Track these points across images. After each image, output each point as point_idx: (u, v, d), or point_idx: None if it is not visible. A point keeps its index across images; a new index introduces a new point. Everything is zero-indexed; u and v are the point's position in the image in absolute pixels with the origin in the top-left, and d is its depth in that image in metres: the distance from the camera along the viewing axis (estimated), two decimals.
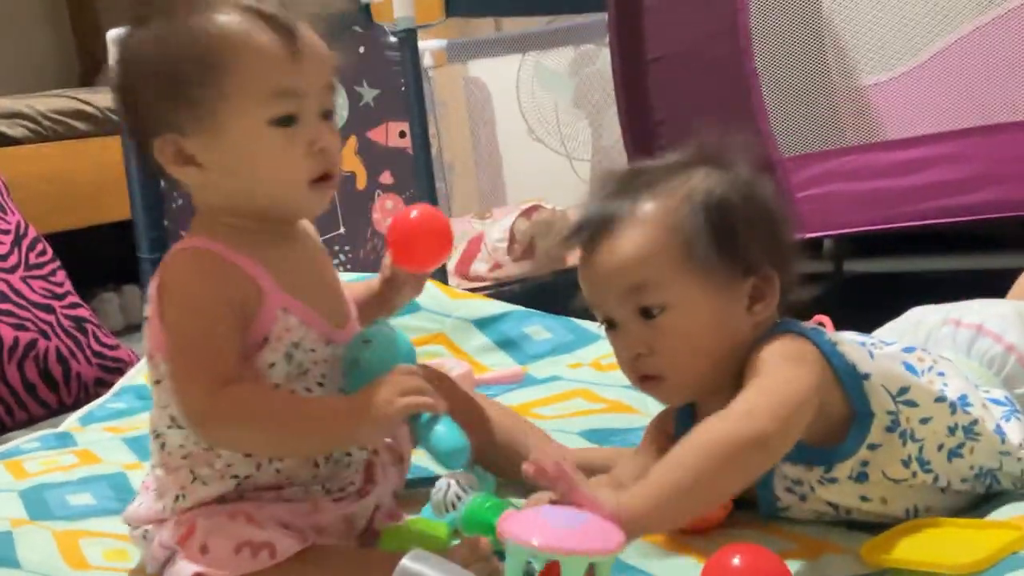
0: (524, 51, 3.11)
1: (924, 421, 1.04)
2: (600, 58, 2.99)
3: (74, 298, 2.32)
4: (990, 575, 0.94)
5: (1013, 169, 1.70)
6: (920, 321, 1.29)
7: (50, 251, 2.36)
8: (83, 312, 2.31)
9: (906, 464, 1.04)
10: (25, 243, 2.31)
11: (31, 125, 3.12)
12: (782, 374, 0.99)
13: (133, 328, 3.04)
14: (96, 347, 2.26)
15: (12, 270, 2.23)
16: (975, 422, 1.07)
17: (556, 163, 3.15)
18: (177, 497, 1.06)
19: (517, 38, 3.10)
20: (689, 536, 1.08)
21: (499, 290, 2.27)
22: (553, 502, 0.94)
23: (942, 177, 1.75)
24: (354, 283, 1.23)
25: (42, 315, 2.20)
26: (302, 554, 1.00)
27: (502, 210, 2.58)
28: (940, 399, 1.06)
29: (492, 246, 2.42)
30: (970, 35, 1.74)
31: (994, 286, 1.40)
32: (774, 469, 1.05)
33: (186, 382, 0.99)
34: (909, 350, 1.15)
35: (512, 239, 2.37)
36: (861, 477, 1.04)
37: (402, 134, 2.28)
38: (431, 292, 1.89)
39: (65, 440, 1.68)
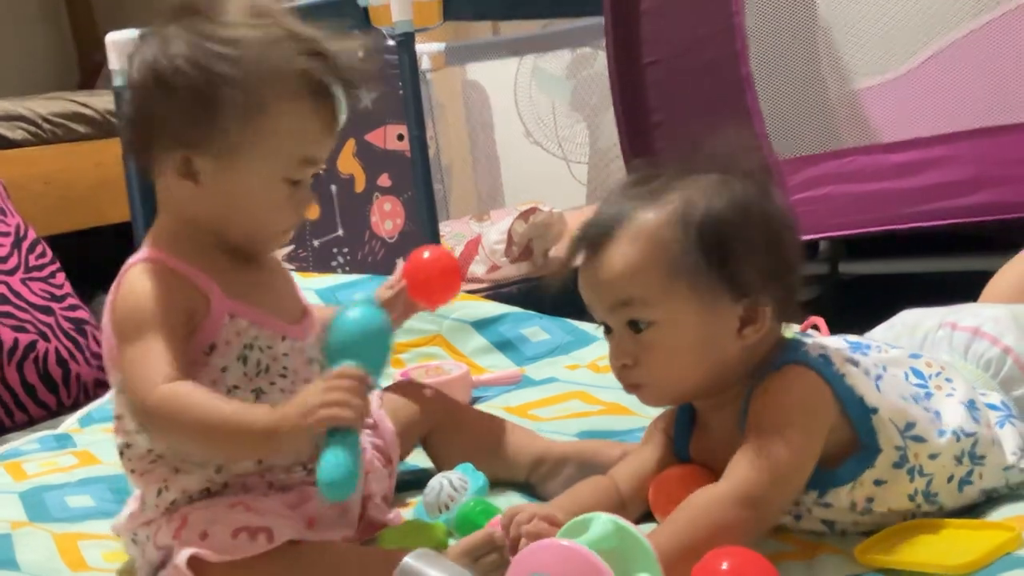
0: (521, 54, 3.11)
1: (933, 457, 1.04)
2: (597, 61, 2.99)
3: (73, 300, 2.33)
4: None
5: (1008, 171, 1.71)
6: (917, 324, 1.29)
7: (50, 253, 2.36)
8: (82, 314, 2.32)
9: (911, 498, 1.05)
10: (25, 245, 2.32)
11: (30, 128, 3.13)
12: (788, 443, 0.98)
13: None
14: (95, 349, 2.26)
15: (12, 272, 2.24)
16: (977, 443, 1.06)
17: (553, 165, 3.15)
18: (159, 491, 1.07)
19: (515, 41, 3.10)
20: None
21: (497, 292, 2.27)
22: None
23: (937, 180, 1.76)
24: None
25: (42, 317, 2.20)
26: (302, 548, 1.01)
27: (500, 212, 2.58)
28: (942, 432, 1.05)
29: (490, 248, 2.43)
30: (964, 38, 1.74)
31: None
32: None
33: (132, 381, 1.01)
34: (916, 356, 1.14)
35: (510, 241, 2.37)
36: (865, 512, 1.04)
37: (400, 137, 2.28)
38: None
39: (64, 441, 1.69)
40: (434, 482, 1.18)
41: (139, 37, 1.07)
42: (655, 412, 1.39)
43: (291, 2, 2.11)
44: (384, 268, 2.19)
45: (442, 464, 1.27)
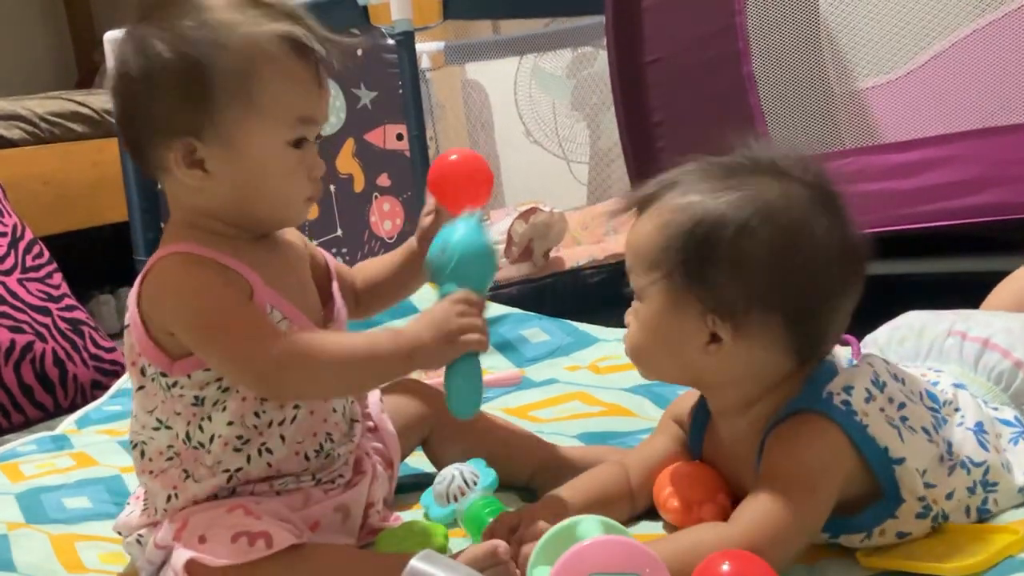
0: (522, 53, 3.11)
1: (949, 497, 1.03)
2: (598, 60, 2.99)
3: (71, 300, 2.32)
4: None
5: (1012, 172, 1.70)
6: (923, 328, 1.27)
7: (47, 253, 2.36)
8: (80, 315, 2.31)
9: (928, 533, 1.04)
10: (22, 245, 2.31)
11: (28, 127, 3.12)
12: (800, 504, 0.97)
13: None
14: (93, 350, 2.25)
15: (9, 272, 2.23)
16: (988, 471, 1.06)
17: (554, 165, 3.15)
18: (169, 497, 1.07)
19: (515, 40, 3.09)
20: None
21: (496, 292, 2.27)
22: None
23: (941, 180, 1.75)
24: (389, 253, 1.25)
25: (39, 317, 2.19)
26: (302, 552, 1.01)
27: (499, 212, 2.57)
28: (951, 470, 1.03)
29: None
30: (967, 38, 1.74)
31: (992, 289, 1.40)
32: None
33: (243, 351, 1.01)
34: (933, 383, 1.13)
35: (510, 241, 2.37)
36: (881, 551, 1.03)
37: (399, 136, 2.27)
38: (428, 294, 1.89)
39: (61, 443, 1.68)
40: (446, 472, 1.19)
41: (117, 42, 1.07)
42: (656, 414, 1.38)
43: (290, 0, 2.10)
44: None
45: (444, 466, 1.27)
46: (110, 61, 2.57)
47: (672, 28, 1.94)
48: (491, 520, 1.07)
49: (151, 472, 1.09)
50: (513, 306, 1.93)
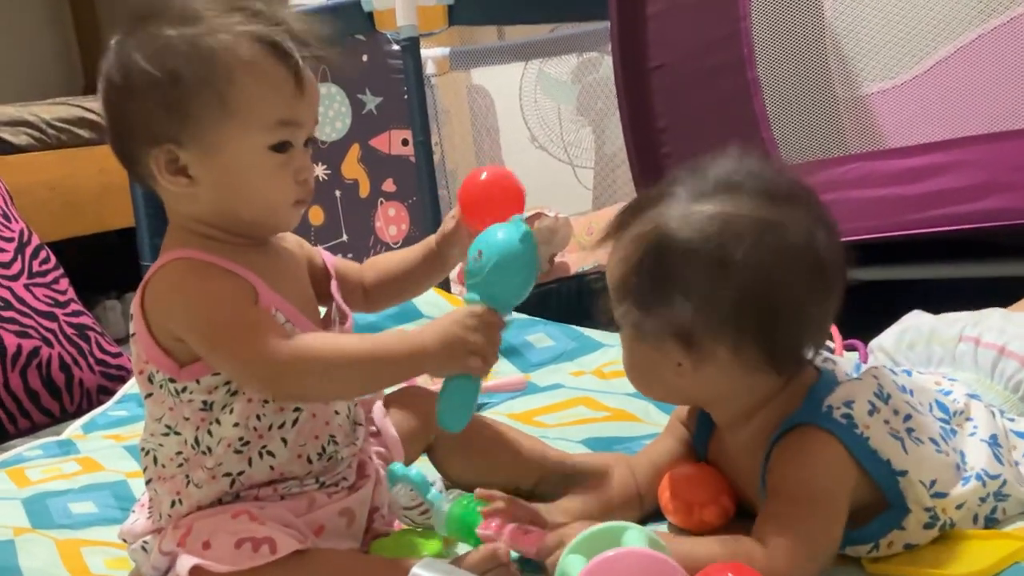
0: (527, 59, 3.11)
1: (959, 507, 1.03)
2: (603, 66, 2.99)
3: (77, 306, 2.32)
4: None
5: (1017, 177, 1.69)
6: (932, 332, 1.27)
7: (53, 259, 2.36)
8: (86, 320, 2.31)
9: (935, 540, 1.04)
10: (28, 251, 2.31)
11: (35, 133, 3.13)
12: (822, 528, 0.97)
13: None
14: (99, 355, 2.26)
15: (15, 278, 2.23)
16: (1004, 484, 1.05)
17: (559, 170, 3.15)
18: (173, 502, 1.07)
19: (520, 46, 3.10)
20: None
21: None
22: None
23: (946, 185, 1.75)
24: (406, 249, 1.25)
25: (45, 323, 2.20)
26: (305, 557, 1.01)
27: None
28: (966, 480, 1.03)
29: None
30: (973, 43, 1.74)
31: (999, 293, 1.40)
32: None
33: (254, 353, 1.01)
34: (945, 392, 1.13)
35: None
36: (888, 558, 1.03)
37: (405, 142, 2.27)
38: (433, 299, 1.89)
39: (67, 448, 1.69)
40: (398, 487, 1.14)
41: (104, 54, 1.08)
42: (661, 419, 1.38)
43: (295, 6, 2.11)
44: None
45: (448, 472, 1.27)
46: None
47: (677, 34, 1.94)
48: (484, 509, 1.07)
49: (162, 477, 1.09)
50: (518, 311, 1.93)
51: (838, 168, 1.83)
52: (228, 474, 1.07)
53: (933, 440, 1.02)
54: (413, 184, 2.26)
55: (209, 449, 1.06)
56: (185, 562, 1.00)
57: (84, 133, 3.22)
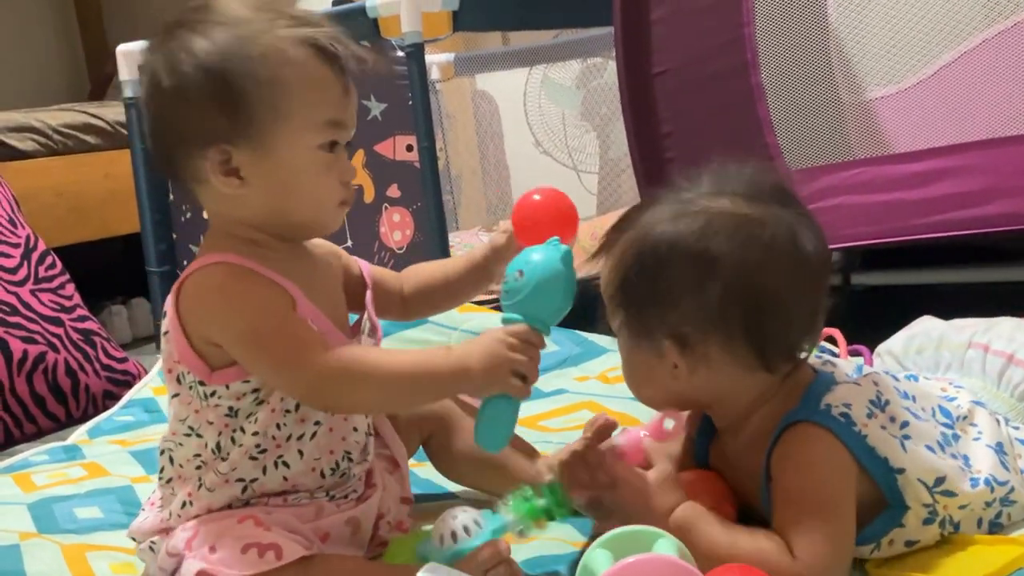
0: (531, 64, 3.11)
1: (963, 507, 1.03)
2: (607, 71, 2.99)
3: (83, 311, 2.33)
4: None
5: (1022, 182, 1.69)
6: (942, 338, 1.27)
7: (59, 264, 2.37)
8: (92, 325, 2.32)
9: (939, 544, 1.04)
10: (35, 256, 2.32)
11: (41, 139, 3.13)
12: (834, 529, 0.97)
13: (141, 341, 3.05)
14: (105, 360, 2.26)
15: (22, 283, 2.24)
16: (1012, 490, 1.06)
17: (563, 175, 3.15)
18: (184, 503, 1.08)
19: (524, 51, 3.10)
20: None
21: None
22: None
23: (951, 190, 1.75)
24: (452, 259, 1.26)
25: (51, 328, 2.20)
26: (309, 562, 1.01)
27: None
28: (975, 482, 1.04)
29: None
30: (977, 48, 1.73)
31: (1003, 299, 1.40)
32: None
33: (294, 361, 1.01)
34: (949, 399, 1.13)
35: None
36: (892, 562, 1.03)
37: (409, 148, 2.28)
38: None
39: (73, 453, 1.69)
40: (446, 515, 1.08)
41: (142, 57, 1.08)
42: None
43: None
44: None
45: (445, 469, 1.28)
46: (123, 73, 2.59)
47: (681, 39, 1.94)
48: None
49: (179, 477, 1.09)
50: None
51: (842, 173, 1.83)
52: (241, 480, 1.07)
53: (929, 447, 1.03)
54: (418, 189, 2.26)
55: (227, 454, 1.07)
56: (191, 566, 1.01)
57: (90, 139, 3.23)
